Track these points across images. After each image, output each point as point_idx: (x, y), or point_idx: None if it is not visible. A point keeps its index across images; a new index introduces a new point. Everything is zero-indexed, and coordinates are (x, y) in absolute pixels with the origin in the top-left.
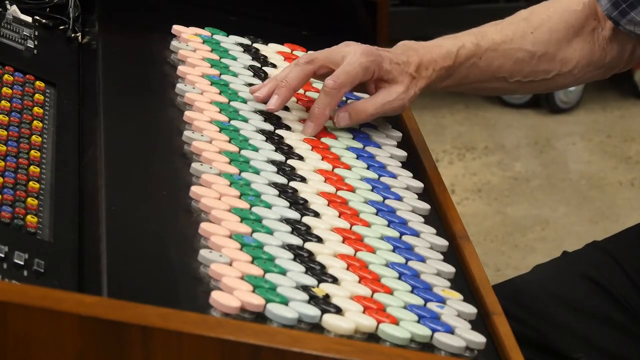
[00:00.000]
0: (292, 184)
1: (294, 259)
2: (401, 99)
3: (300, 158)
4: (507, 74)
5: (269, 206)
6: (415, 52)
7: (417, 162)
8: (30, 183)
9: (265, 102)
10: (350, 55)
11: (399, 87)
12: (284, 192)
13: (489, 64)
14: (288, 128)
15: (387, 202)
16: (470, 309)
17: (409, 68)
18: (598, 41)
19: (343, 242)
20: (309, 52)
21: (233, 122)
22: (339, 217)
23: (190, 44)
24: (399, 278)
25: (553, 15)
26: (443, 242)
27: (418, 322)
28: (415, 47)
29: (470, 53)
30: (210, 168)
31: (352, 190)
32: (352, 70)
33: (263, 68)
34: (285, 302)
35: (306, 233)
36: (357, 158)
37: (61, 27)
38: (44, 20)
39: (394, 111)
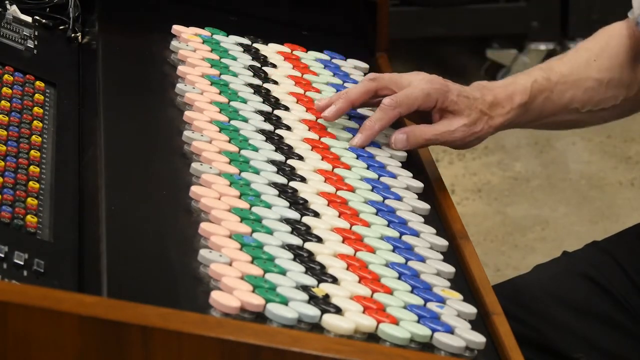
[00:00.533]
0: (292, 184)
1: (294, 259)
2: (462, 131)
3: (300, 158)
4: (579, 105)
5: (269, 206)
6: (489, 91)
7: (417, 162)
8: (30, 183)
9: (322, 110)
10: (415, 81)
11: (463, 120)
12: (284, 192)
13: (561, 96)
14: (288, 128)
15: (387, 202)
16: (470, 309)
17: (480, 104)
18: None
19: (343, 242)
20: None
21: (233, 122)
22: (339, 217)
23: (190, 44)
24: (399, 278)
25: (610, 41)
26: (443, 242)
27: (418, 322)
28: (489, 86)
29: (542, 87)
30: (210, 168)
31: (352, 190)
32: (412, 93)
33: (263, 68)
34: (285, 302)
35: (306, 233)
36: (357, 158)
37: (61, 27)
38: (44, 20)
39: (454, 143)
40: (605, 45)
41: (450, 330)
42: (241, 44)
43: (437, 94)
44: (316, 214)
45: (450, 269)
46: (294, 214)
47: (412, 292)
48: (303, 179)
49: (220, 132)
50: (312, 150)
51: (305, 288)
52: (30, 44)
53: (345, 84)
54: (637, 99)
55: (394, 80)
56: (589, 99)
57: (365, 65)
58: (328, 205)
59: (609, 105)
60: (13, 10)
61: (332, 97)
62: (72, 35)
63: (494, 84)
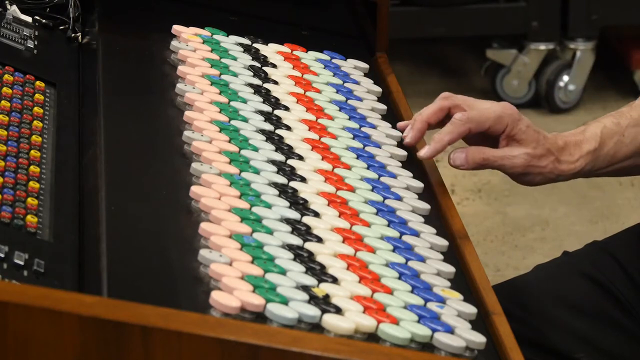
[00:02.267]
0: (292, 184)
1: (294, 259)
2: (524, 158)
3: (300, 158)
4: None
5: (269, 206)
6: (562, 137)
7: (417, 162)
8: (30, 183)
9: (411, 145)
10: (488, 104)
11: (527, 149)
12: (284, 192)
13: (634, 139)
14: (288, 128)
15: (387, 202)
16: (470, 309)
17: (550, 144)
18: None
19: (343, 242)
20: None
21: (233, 122)
22: (339, 217)
23: (190, 44)
24: (399, 278)
25: None
26: (443, 242)
27: (418, 322)
28: (562, 134)
29: (611, 132)
30: (210, 168)
31: (352, 190)
32: (485, 112)
33: (263, 68)
34: (285, 302)
35: (306, 233)
36: (357, 158)
37: (61, 27)
38: (44, 20)
39: (514, 169)
40: None
41: (450, 330)
42: (241, 44)
43: (509, 119)
44: (316, 214)
45: (450, 269)
46: (294, 214)
47: (412, 292)
48: (303, 179)
49: (220, 132)
50: (312, 150)
51: (305, 288)
52: (30, 44)
53: (346, 84)
54: None
55: (467, 101)
56: None
57: (365, 65)
58: (328, 205)
59: None
60: (13, 10)
61: (410, 121)
62: (72, 35)
63: (566, 132)
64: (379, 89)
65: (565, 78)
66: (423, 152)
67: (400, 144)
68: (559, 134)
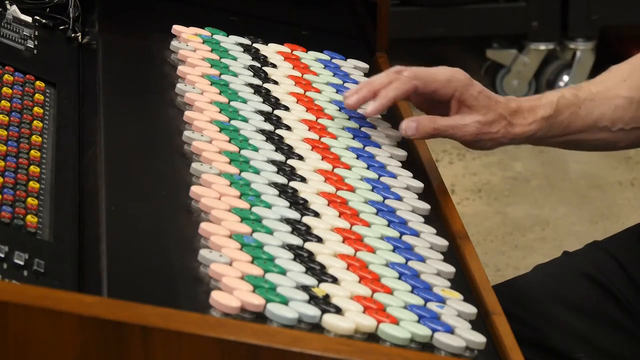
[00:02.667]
0: (292, 184)
1: (294, 259)
2: (475, 127)
3: (300, 158)
4: (609, 123)
5: (269, 206)
6: (515, 100)
7: (417, 162)
8: (30, 183)
9: (352, 108)
10: (442, 68)
11: (477, 117)
12: (284, 192)
13: (589, 112)
14: (288, 128)
15: (387, 202)
16: (470, 309)
17: (502, 108)
18: None
19: (343, 242)
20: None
21: (233, 122)
22: (339, 217)
23: (190, 44)
24: (399, 278)
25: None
26: (443, 242)
27: (418, 322)
28: (517, 98)
29: (569, 102)
30: (210, 168)
31: (352, 190)
32: (433, 73)
33: (263, 68)
34: (285, 302)
35: (306, 233)
36: (357, 158)
37: (61, 27)
38: (44, 20)
39: (465, 137)
40: (638, 66)
41: (450, 330)
42: (241, 44)
43: (458, 84)
44: (316, 214)
45: (450, 269)
46: (294, 214)
47: (412, 292)
48: (303, 179)
49: (220, 132)
50: (312, 150)
51: (305, 288)
52: (30, 44)
53: (346, 84)
54: None
55: (418, 69)
56: (620, 117)
57: (365, 65)
58: (328, 205)
59: None
60: (13, 10)
61: (364, 91)
62: (72, 35)
63: (522, 98)
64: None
65: (565, 78)
66: (369, 109)
67: (400, 144)
68: (513, 98)
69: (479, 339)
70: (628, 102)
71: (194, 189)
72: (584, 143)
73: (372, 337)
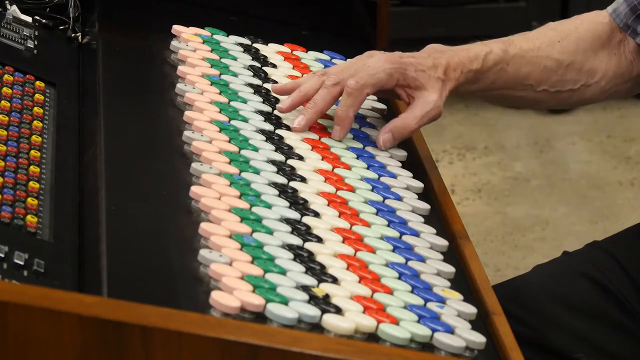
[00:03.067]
0: (292, 184)
1: (294, 259)
2: (438, 106)
3: (300, 158)
4: (534, 82)
5: (269, 206)
6: (442, 54)
7: (417, 162)
8: (30, 183)
9: (285, 112)
10: (374, 62)
11: (433, 95)
12: (284, 192)
13: (517, 70)
14: (288, 128)
15: (387, 202)
16: (470, 309)
17: (437, 72)
18: (624, 54)
19: (343, 242)
20: (332, 67)
21: (233, 122)
22: (339, 217)
23: (190, 44)
24: (399, 278)
25: (580, 26)
26: (443, 242)
27: (418, 322)
28: (442, 50)
29: (497, 58)
30: (210, 168)
31: (352, 190)
32: (375, 74)
33: (263, 68)
34: (285, 302)
35: (306, 233)
36: (357, 158)
37: (61, 27)
38: (44, 20)
39: (433, 120)
40: (574, 29)
41: (450, 330)
42: (241, 44)
43: (397, 73)
44: (316, 214)
45: (450, 269)
46: (294, 214)
47: (412, 292)
48: (303, 179)
49: (220, 132)
50: (312, 150)
51: (305, 288)
52: (30, 44)
53: None
54: (598, 89)
55: (354, 74)
56: (546, 78)
57: None
58: (328, 205)
59: (566, 89)
60: (13, 10)
61: (294, 98)
62: (72, 35)
63: (447, 48)
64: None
65: None
66: (336, 135)
67: (401, 144)
68: (436, 49)
69: (479, 339)
70: (557, 65)
71: (194, 189)
72: (506, 99)
73: (372, 337)
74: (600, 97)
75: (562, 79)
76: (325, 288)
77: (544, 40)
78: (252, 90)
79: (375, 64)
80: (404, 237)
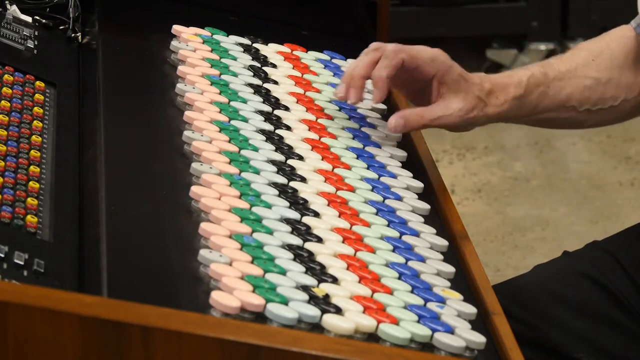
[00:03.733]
0: (292, 184)
1: (294, 259)
2: (458, 116)
3: (300, 158)
4: (576, 103)
5: (269, 206)
6: (488, 79)
7: (417, 162)
8: (30, 183)
9: (340, 96)
10: (424, 47)
11: (459, 104)
12: (284, 192)
13: (558, 92)
14: (288, 128)
15: (387, 202)
16: (470, 309)
17: (478, 90)
18: None
19: (343, 242)
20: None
21: (233, 122)
22: (339, 217)
23: (190, 44)
24: (399, 278)
25: (610, 42)
26: (443, 242)
27: (418, 322)
28: (488, 76)
29: (538, 81)
30: (210, 168)
31: (352, 190)
32: (418, 49)
33: (263, 68)
34: (285, 302)
35: (306, 233)
36: (357, 158)
37: (61, 27)
38: (44, 20)
39: (448, 127)
40: (606, 46)
41: (450, 330)
42: (241, 44)
43: (440, 65)
44: (316, 214)
45: (450, 269)
46: (294, 214)
47: (412, 292)
48: (303, 179)
49: (220, 132)
50: (312, 150)
51: (305, 288)
52: (30, 44)
53: None
54: (637, 102)
55: (400, 45)
56: (587, 97)
57: None
58: (328, 205)
59: (607, 106)
60: (13, 10)
61: (343, 80)
62: (72, 35)
63: (493, 75)
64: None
65: None
66: (375, 100)
67: (400, 144)
68: (484, 75)
69: (479, 339)
70: (595, 83)
71: (194, 189)
72: (550, 121)
73: (372, 337)
74: None
75: (603, 97)
76: (325, 288)
77: (579, 61)
78: (252, 90)
79: (424, 47)
80: (404, 237)
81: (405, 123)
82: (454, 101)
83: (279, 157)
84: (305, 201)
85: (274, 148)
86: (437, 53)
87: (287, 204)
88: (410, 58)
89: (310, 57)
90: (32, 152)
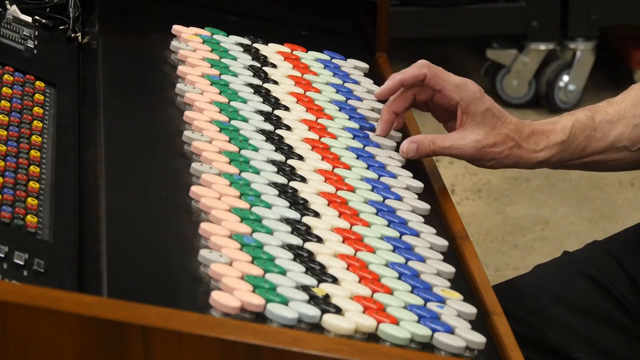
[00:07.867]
0: (292, 184)
1: (294, 259)
2: (473, 147)
3: (300, 158)
4: (628, 143)
5: (269, 206)
6: (530, 125)
7: (417, 162)
8: (30, 183)
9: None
10: (460, 77)
11: (478, 136)
12: (284, 192)
13: (606, 134)
14: (288, 128)
15: (387, 202)
16: (470, 309)
17: (512, 131)
18: None
19: (343, 242)
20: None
21: (233, 122)
22: (339, 217)
23: (190, 44)
24: (399, 278)
25: None
26: (443, 242)
27: (418, 322)
28: (531, 123)
29: (584, 126)
30: (210, 168)
31: (352, 190)
32: (447, 74)
33: (263, 68)
34: (285, 302)
35: (306, 233)
36: (357, 158)
37: (61, 27)
38: (44, 20)
39: (466, 158)
40: None
41: (450, 330)
42: (241, 44)
43: (466, 93)
44: (316, 214)
45: (450, 269)
46: (294, 214)
47: (412, 292)
48: (303, 179)
49: (220, 132)
50: (312, 150)
51: (305, 288)
52: (30, 44)
53: (346, 84)
54: None
55: (429, 64)
56: (638, 136)
57: (365, 65)
58: (328, 205)
59: None
60: (13, 10)
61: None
62: (72, 35)
63: (537, 122)
64: (379, 89)
65: (565, 78)
66: (377, 92)
67: (400, 144)
68: (528, 121)
69: (479, 339)
70: None
71: (194, 189)
72: (602, 164)
73: (372, 337)
74: None
75: None
76: (325, 288)
77: (628, 102)
78: (252, 90)
79: (457, 76)
80: (404, 237)
81: (418, 148)
82: (474, 132)
83: (279, 157)
84: (305, 201)
85: (274, 148)
86: (467, 82)
87: (287, 204)
88: (435, 77)
89: (310, 57)
90: (32, 152)
